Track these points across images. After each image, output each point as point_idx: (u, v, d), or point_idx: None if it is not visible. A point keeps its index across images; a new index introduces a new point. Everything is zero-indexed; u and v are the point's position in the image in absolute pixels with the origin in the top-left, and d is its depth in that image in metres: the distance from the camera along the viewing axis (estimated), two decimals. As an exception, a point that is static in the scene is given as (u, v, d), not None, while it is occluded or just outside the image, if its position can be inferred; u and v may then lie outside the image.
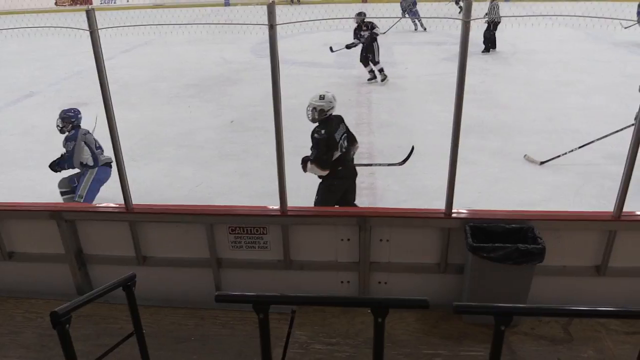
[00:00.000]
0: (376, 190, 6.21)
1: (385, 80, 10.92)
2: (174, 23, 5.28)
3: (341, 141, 4.64)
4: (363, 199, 5.96)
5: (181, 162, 7.21)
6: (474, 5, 3.06)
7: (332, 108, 4.62)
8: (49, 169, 5.63)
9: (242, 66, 12.83)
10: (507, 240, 3.43)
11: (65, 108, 5.72)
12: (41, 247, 4.17)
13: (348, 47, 10.66)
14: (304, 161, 4.68)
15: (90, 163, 5.62)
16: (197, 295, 3.98)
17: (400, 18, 15.70)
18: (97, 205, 4.22)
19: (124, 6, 25.48)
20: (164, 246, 4.01)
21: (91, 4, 26.91)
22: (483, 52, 13.49)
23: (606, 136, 6.43)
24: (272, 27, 3.28)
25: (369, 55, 10.80)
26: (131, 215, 3.89)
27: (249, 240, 3.87)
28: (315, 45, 14.98)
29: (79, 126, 5.62)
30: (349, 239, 3.78)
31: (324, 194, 4.71)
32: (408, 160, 5.59)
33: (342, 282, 3.92)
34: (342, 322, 3.64)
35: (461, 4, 19.81)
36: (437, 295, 3.70)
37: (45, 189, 6.32)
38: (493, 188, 6.16)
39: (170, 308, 3.90)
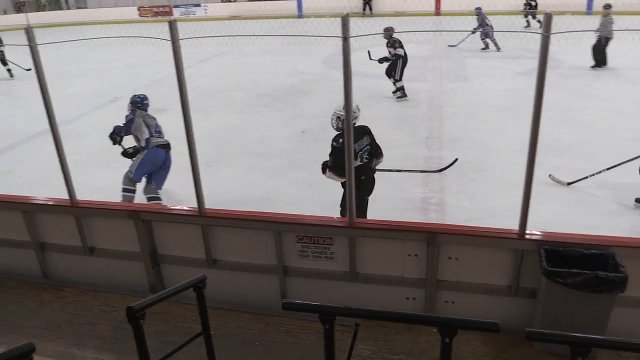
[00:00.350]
0: (445, 206, 6.09)
1: (402, 99, 10.59)
2: (250, 35, 5.43)
3: (361, 152, 4.66)
4: (431, 215, 5.86)
5: (252, 170, 7.39)
6: (555, 18, 2.96)
7: (356, 118, 4.60)
8: (109, 139, 6.01)
9: (314, 77, 13.01)
10: (585, 266, 3.26)
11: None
12: (119, 244, 4.40)
13: (380, 61, 10.52)
14: (324, 167, 4.73)
15: (143, 144, 5.96)
16: (263, 301, 4.05)
17: (471, 32, 15.28)
18: (172, 207, 4.40)
19: (203, 17, 26.54)
20: (233, 250, 4.12)
21: (172, 15, 28.27)
22: (593, 67, 12.83)
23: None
24: (345, 39, 3.31)
25: (391, 72, 10.58)
26: (204, 219, 4.02)
27: (316, 250, 3.90)
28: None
29: (144, 110, 6.05)
30: (416, 255, 3.72)
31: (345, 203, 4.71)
32: (447, 169, 5.28)
33: (407, 298, 3.87)
34: (406, 339, 3.58)
35: (539, 17, 19.08)
36: (506, 319, 3.57)
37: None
38: (570, 210, 5.88)
39: (236, 312, 3.99)
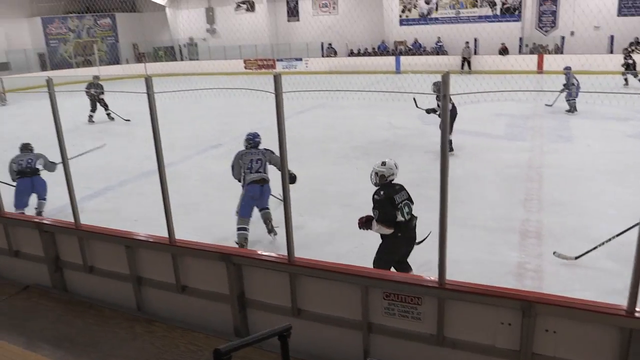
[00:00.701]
0: (543, 273, 5.73)
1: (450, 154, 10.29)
2: (347, 89, 5.60)
3: (401, 205, 4.81)
4: (527, 282, 5.54)
5: (342, 221, 7.42)
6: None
7: (393, 174, 4.95)
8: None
9: (409, 132, 13.02)
10: None
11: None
12: (209, 285, 4.55)
13: (427, 111, 10.50)
14: (368, 221, 4.86)
15: (241, 182, 6.64)
16: (345, 356, 3.97)
17: (560, 92, 14.55)
18: (262, 253, 4.50)
19: (304, 71, 27.71)
20: (319, 301, 4.11)
21: (275, 68, 29.81)
22: None
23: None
24: (444, 96, 3.31)
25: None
26: (292, 268, 4.07)
27: (403, 308, 3.80)
28: (485, 114, 14.70)
29: (255, 147, 6.75)
30: (510, 324, 3.51)
31: (383, 254, 4.90)
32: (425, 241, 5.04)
33: (497, 369, 3.63)
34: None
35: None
36: (611, 405, 3.23)
37: (219, 230, 6.95)
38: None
39: (318, 364, 3.94)
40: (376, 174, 4.98)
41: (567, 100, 14.66)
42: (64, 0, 33.14)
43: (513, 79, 7.83)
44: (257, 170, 6.59)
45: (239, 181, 6.71)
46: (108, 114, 16.66)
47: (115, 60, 33.74)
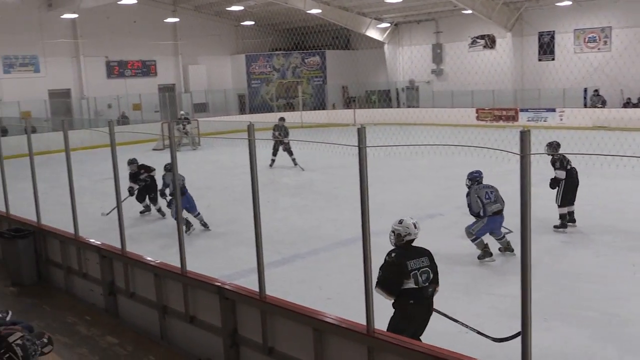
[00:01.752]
0: None
1: (559, 230, 10.87)
2: (617, 154, 5.20)
3: (416, 271, 5.46)
4: None
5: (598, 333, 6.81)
6: None
7: (409, 234, 5.67)
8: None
9: None
10: None
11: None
12: None
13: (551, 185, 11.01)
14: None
15: (481, 214, 9.15)
16: None
17: None
18: None
19: (557, 126, 26.65)
20: None
21: (517, 120, 29.31)
22: None
23: None
24: None
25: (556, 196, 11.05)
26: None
27: None
28: None
29: (479, 182, 9.35)
30: None
31: (395, 324, 5.47)
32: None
33: None
34: None
35: None
36: None
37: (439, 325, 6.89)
38: None
39: None
40: (393, 232, 5.76)
41: None
42: (272, 37, 37.39)
43: None
44: (496, 201, 9.11)
45: (477, 215, 9.17)
46: (293, 160, 18.95)
47: (320, 104, 36.62)
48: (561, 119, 28.16)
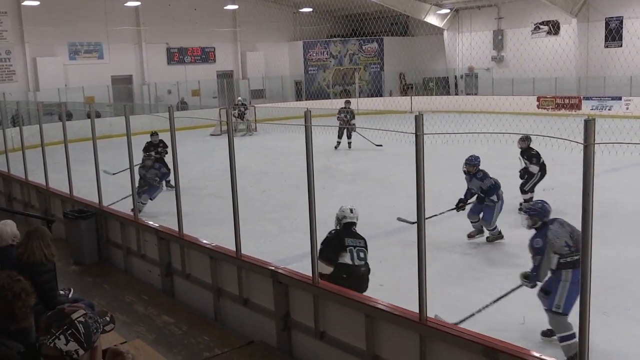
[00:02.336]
0: None
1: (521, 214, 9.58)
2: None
3: (352, 247, 6.10)
4: None
5: None
6: None
7: (345, 217, 6.36)
8: None
9: None
10: None
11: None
12: None
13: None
14: None
15: (554, 267, 6.06)
16: None
17: None
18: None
19: (621, 115, 25.77)
20: None
21: (580, 108, 28.47)
22: None
23: None
24: None
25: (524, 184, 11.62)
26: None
27: None
28: None
29: (546, 223, 6.26)
30: None
31: None
32: None
33: None
34: None
35: None
36: None
37: (488, 316, 6.80)
38: None
39: None
40: (337, 217, 6.45)
41: None
42: (330, 24, 37.35)
43: None
44: (577, 250, 5.84)
45: (539, 281, 6.23)
46: (349, 143, 19.71)
47: (377, 91, 36.45)
48: (627, 108, 27.24)
